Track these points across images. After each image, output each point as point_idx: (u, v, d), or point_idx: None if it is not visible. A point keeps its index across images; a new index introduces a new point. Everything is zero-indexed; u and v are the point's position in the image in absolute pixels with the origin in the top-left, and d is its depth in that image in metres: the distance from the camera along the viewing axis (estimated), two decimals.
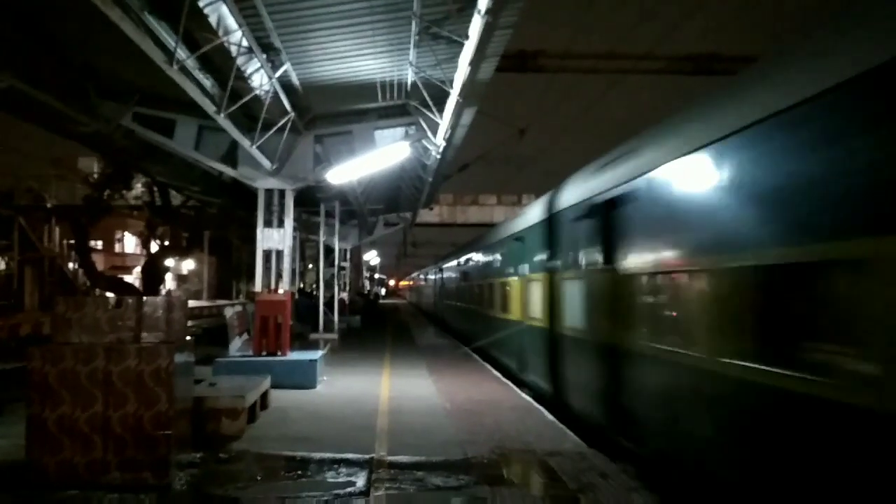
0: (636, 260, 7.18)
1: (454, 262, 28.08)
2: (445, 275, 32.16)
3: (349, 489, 6.15)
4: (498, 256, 16.32)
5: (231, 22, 8.38)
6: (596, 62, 21.99)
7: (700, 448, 5.62)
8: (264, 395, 9.79)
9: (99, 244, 42.98)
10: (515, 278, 13.74)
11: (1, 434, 8.11)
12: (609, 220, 7.88)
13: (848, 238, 3.85)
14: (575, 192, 9.57)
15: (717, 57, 21.83)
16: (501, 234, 16.13)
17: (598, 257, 8.20)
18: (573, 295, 9.37)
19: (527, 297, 12.50)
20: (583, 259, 8.92)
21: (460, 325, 24.54)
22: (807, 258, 4.18)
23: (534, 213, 12.28)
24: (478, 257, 20.33)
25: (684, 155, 5.95)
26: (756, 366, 4.60)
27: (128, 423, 6.14)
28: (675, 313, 6.38)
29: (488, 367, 15.52)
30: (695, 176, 5.84)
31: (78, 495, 4.64)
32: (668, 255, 6.45)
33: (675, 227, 6.23)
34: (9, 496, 4.61)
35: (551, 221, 10.68)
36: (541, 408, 10.32)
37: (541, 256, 11.40)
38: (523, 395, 11.54)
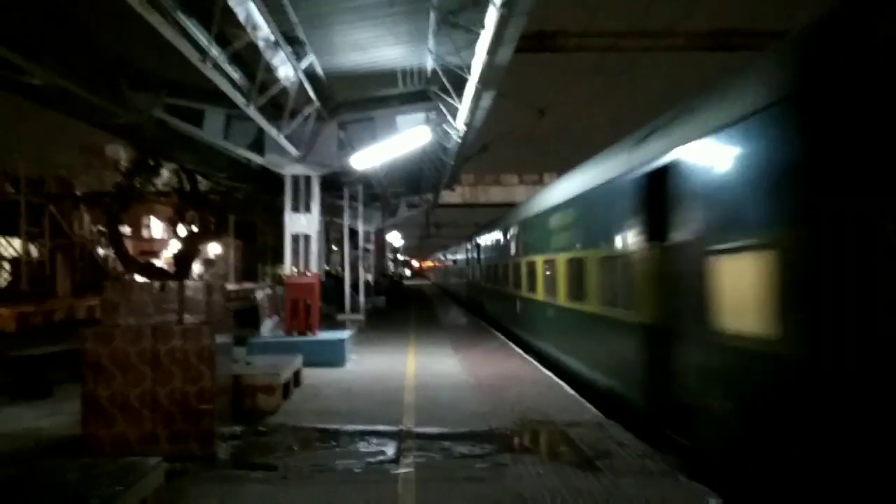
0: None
1: (500, 234, 20.59)
2: (485, 254, 24.46)
3: (380, 458, 6.60)
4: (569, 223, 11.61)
5: (258, 18, 8.78)
6: (615, 40, 22.03)
7: None
8: (297, 373, 10.29)
9: (127, 230, 43.85)
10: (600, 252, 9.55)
11: (56, 411, 8.74)
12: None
13: None
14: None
15: (737, 32, 21.77)
16: (575, 191, 11.17)
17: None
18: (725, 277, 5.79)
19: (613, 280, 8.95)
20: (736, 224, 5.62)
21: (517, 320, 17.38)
22: None
23: (622, 164, 8.70)
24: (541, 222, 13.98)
25: None
26: None
27: (174, 399, 6.63)
28: None
29: (511, 344, 15.90)
30: None
31: (136, 461, 5.10)
32: None
33: None
34: (74, 463, 5.09)
35: (669, 174, 6.98)
36: (562, 382, 10.69)
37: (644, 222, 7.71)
38: (545, 370, 11.92)
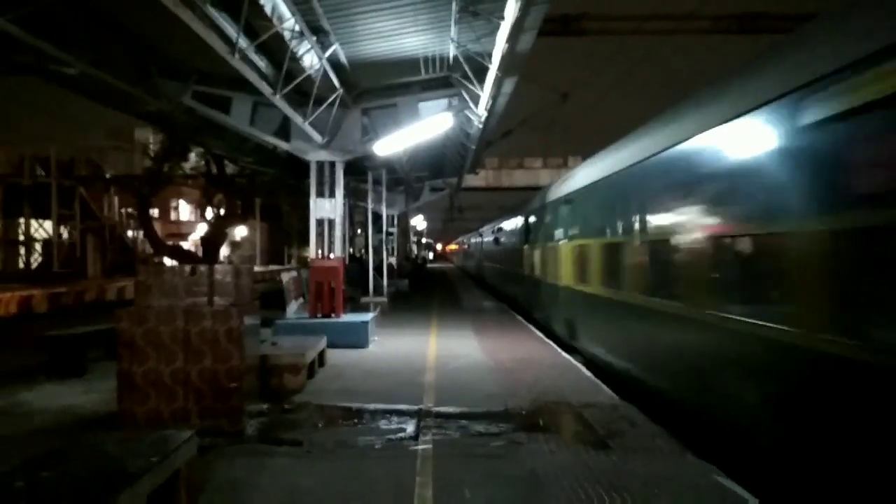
0: None
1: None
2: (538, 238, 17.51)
3: (400, 434, 6.90)
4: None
5: (284, 10, 9.04)
6: (640, 23, 21.95)
7: None
8: (321, 354, 10.63)
9: (155, 212, 44.55)
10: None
11: (90, 389, 9.17)
12: None
13: None
14: None
15: (763, 15, 21.60)
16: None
17: None
18: None
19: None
20: None
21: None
22: None
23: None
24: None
25: None
26: None
27: (205, 377, 6.97)
28: None
29: (531, 327, 16.10)
30: None
31: (170, 434, 5.41)
32: None
33: None
34: (112, 436, 5.41)
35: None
36: (579, 365, 10.89)
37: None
38: (563, 353, 12.13)
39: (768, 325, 5.43)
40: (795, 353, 5.08)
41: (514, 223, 23.37)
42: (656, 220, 8.44)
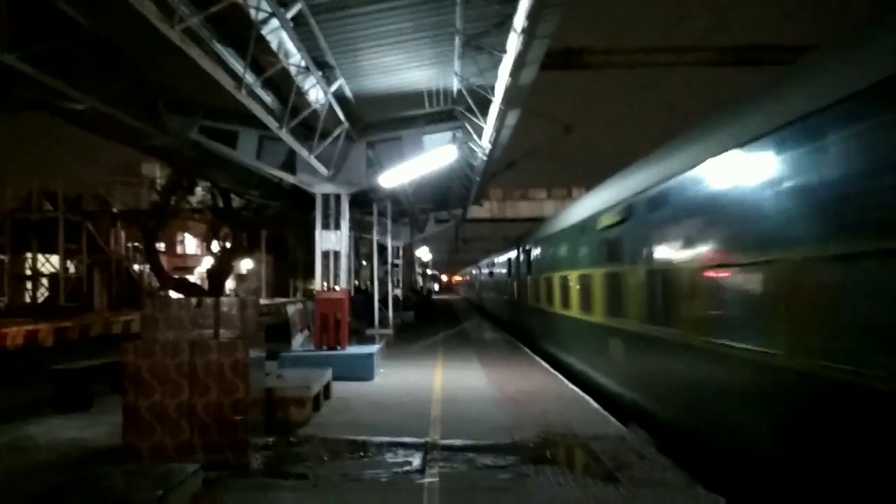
0: None
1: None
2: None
3: (406, 468, 6.84)
4: None
5: (290, 46, 9.17)
6: (642, 56, 22.17)
7: None
8: (327, 386, 10.59)
9: (161, 246, 44.71)
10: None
11: (96, 423, 9.14)
12: None
13: None
14: None
15: (763, 47, 21.77)
16: None
17: None
18: None
19: None
20: None
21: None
22: None
23: None
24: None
25: None
26: None
27: (210, 410, 6.95)
28: None
29: (537, 359, 16.03)
30: None
31: (176, 467, 5.39)
32: None
33: None
34: (118, 469, 5.40)
35: None
36: (586, 396, 10.82)
37: None
38: (570, 385, 12.06)
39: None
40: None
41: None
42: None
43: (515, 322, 23.81)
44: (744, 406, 6.23)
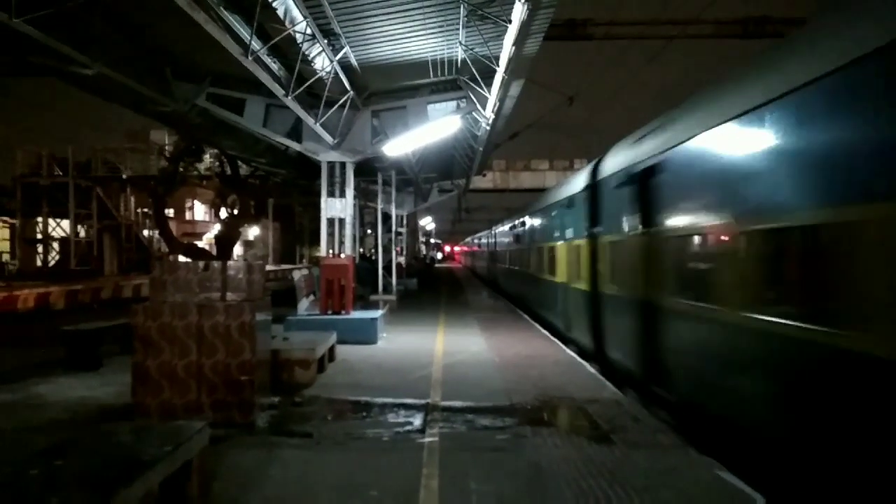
0: None
1: None
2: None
3: (407, 427, 7.07)
4: None
5: (296, 13, 9.23)
6: (644, 28, 22.08)
7: None
8: (331, 349, 10.82)
9: (171, 212, 44.86)
10: None
11: (105, 382, 9.38)
12: None
13: None
14: None
15: (767, 20, 21.59)
16: None
17: None
18: None
19: None
20: None
21: None
22: None
23: None
24: None
25: None
26: None
27: (218, 370, 7.14)
28: None
29: (537, 325, 16.25)
30: None
31: (183, 424, 5.56)
32: None
33: None
34: (126, 426, 5.58)
35: None
36: (583, 362, 11.03)
37: None
38: (568, 350, 12.27)
39: None
40: None
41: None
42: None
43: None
44: None
